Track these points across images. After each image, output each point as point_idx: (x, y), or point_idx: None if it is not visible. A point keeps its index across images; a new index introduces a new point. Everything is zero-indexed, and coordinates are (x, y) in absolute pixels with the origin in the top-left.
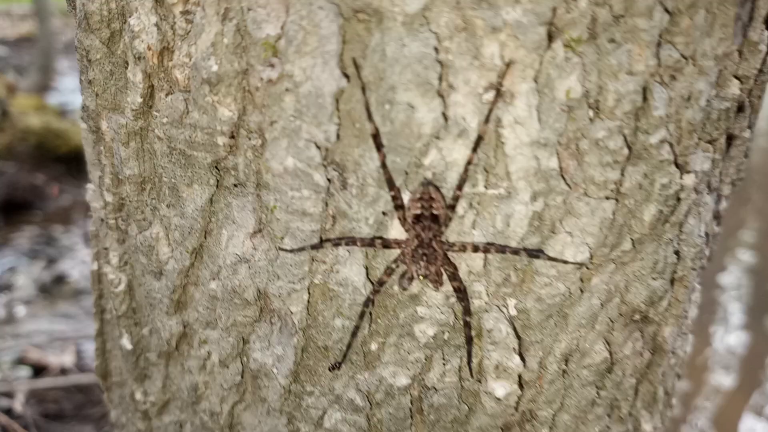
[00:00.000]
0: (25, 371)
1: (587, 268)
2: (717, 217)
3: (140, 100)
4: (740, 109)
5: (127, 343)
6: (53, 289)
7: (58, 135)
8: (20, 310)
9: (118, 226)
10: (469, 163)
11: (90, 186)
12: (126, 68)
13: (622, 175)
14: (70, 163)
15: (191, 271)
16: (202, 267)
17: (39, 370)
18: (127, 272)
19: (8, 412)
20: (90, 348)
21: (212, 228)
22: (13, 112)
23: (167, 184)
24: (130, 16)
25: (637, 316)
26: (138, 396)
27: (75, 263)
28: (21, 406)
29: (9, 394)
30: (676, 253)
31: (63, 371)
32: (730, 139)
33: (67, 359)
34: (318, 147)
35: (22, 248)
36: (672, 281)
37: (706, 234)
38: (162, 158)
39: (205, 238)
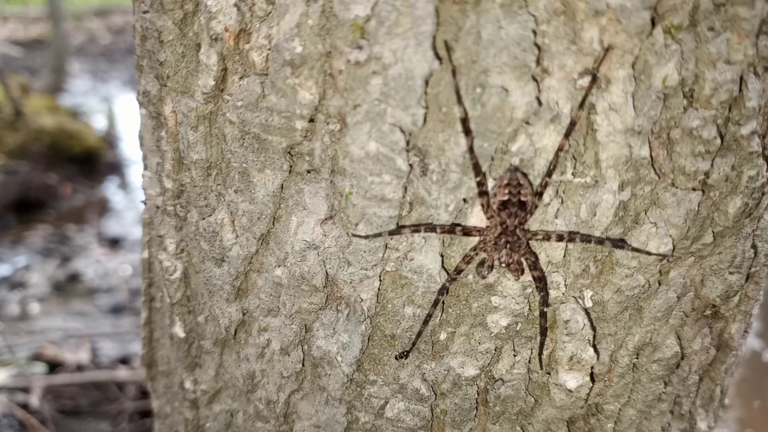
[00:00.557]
0: (40, 367)
1: (668, 260)
2: None
3: (213, 83)
4: None
5: (179, 331)
6: (67, 287)
7: (72, 135)
8: (34, 308)
9: (176, 212)
10: (560, 149)
11: (146, 173)
12: (198, 51)
13: (712, 165)
14: (84, 164)
15: (255, 258)
16: (268, 253)
17: (54, 367)
18: (183, 260)
19: (25, 407)
20: (105, 346)
21: (281, 214)
22: (27, 113)
23: (237, 170)
24: None
25: (708, 311)
26: (188, 385)
27: (89, 262)
28: (38, 402)
29: (26, 390)
30: (753, 247)
31: (79, 368)
32: None
33: (83, 356)
34: (402, 131)
35: (36, 247)
36: (747, 277)
37: None
38: (232, 143)
39: (273, 224)
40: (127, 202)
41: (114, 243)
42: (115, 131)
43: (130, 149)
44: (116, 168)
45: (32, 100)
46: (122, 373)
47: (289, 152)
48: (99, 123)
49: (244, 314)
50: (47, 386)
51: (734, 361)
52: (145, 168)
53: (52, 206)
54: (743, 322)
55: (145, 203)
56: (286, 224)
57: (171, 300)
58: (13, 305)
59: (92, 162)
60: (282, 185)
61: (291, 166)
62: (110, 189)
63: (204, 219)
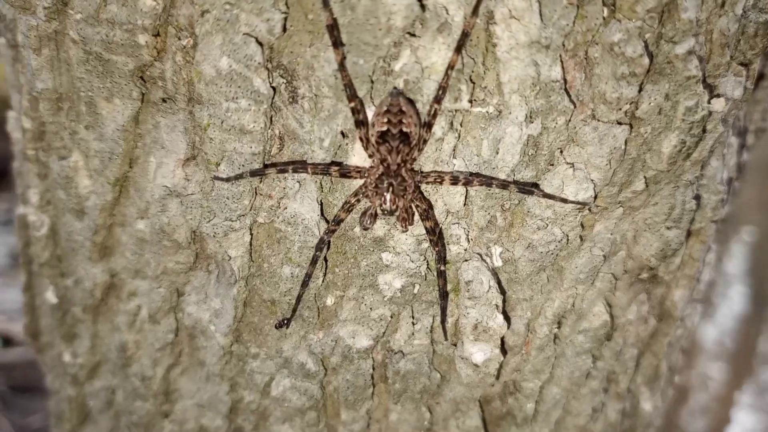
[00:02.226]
0: None
1: (590, 210)
2: (740, 169)
3: None
4: None
5: (51, 296)
6: None
7: None
8: None
9: (38, 158)
10: (450, 67)
11: (11, 113)
12: None
13: (640, 93)
14: None
15: (116, 209)
16: (128, 203)
17: (6, 342)
18: (50, 213)
19: None
20: None
21: (138, 155)
22: None
23: (84, 100)
24: None
25: (644, 275)
26: (66, 358)
27: None
28: None
29: None
30: (696, 198)
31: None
32: (760, 77)
33: None
34: (259, 43)
35: None
36: (688, 233)
37: (728, 184)
38: (78, 67)
39: (130, 166)
40: None
41: None
42: None
43: None
44: None
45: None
46: None
47: (139, 76)
48: None
49: (112, 276)
50: None
51: (681, 333)
52: (11, 109)
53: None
54: (688, 288)
55: (13, 149)
56: (144, 166)
57: (40, 260)
58: None
59: None
60: (135, 118)
61: (143, 94)
62: None
63: (59, 162)
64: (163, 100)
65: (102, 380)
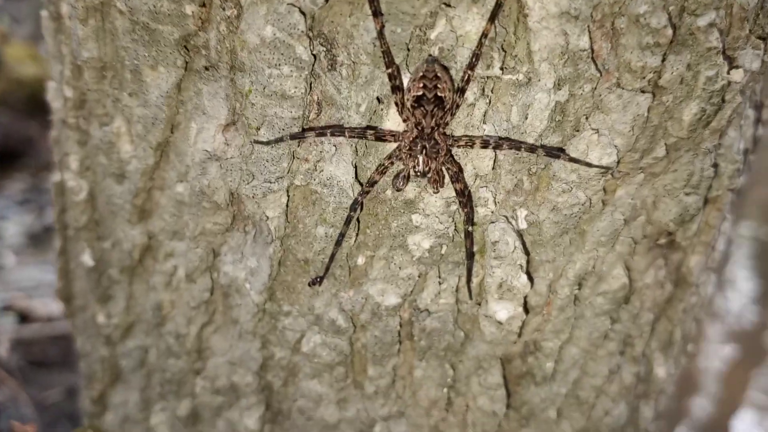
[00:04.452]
0: (10, 318)
1: (612, 175)
2: (755, 141)
3: None
4: None
5: (88, 259)
6: (43, 238)
7: None
8: (10, 259)
9: (78, 125)
10: (484, 35)
11: (51, 84)
12: None
13: (663, 62)
14: None
15: (156, 173)
16: (168, 167)
17: (25, 318)
18: (89, 179)
19: None
20: None
21: (180, 120)
22: (8, 61)
23: (129, 68)
24: None
25: (663, 240)
26: (100, 319)
27: None
28: (6, 353)
29: None
30: (714, 166)
31: (49, 320)
32: None
33: (54, 308)
34: (302, 13)
35: (14, 197)
36: (706, 200)
37: (744, 154)
38: (124, 37)
39: (171, 132)
40: None
41: None
42: None
43: None
44: None
45: (13, 48)
46: None
47: (184, 45)
48: None
49: (149, 237)
50: (17, 338)
51: (696, 301)
52: (51, 78)
53: (31, 156)
54: (704, 255)
55: (53, 118)
56: (185, 132)
57: (77, 224)
58: None
59: None
60: (178, 85)
61: (187, 62)
62: None
63: (101, 129)
64: (206, 68)
65: (135, 340)
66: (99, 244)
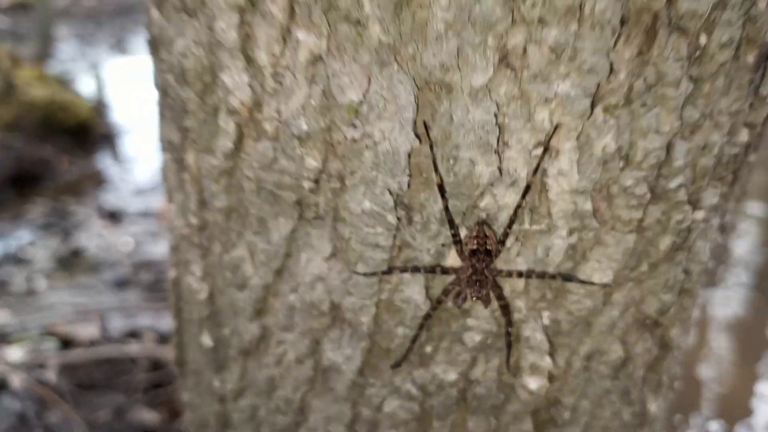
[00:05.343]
0: (53, 343)
1: (610, 287)
2: (722, 229)
3: (231, 145)
4: (747, 149)
5: (207, 341)
6: (71, 262)
7: (63, 107)
8: (41, 283)
9: (201, 243)
10: (518, 207)
11: (172, 206)
12: (217, 116)
13: (644, 213)
14: (77, 136)
15: (272, 286)
16: (282, 283)
17: (67, 342)
18: (209, 282)
19: (42, 383)
20: (113, 319)
21: (293, 251)
22: (18, 84)
23: (255, 216)
24: (221, 72)
25: (648, 321)
26: (216, 384)
27: (90, 236)
28: (55, 377)
29: (42, 366)
30: (685, 271)
31: (91, 343)
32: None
33: (93, 331)
34: (391, 193)
35: (37, 222)
36: (680, 293)
37: (711, 252)
38: (250, 194)
39: (286, 260)
40: (123, 173)
41: (113, 216)
42: (105, 99)
43: (120, 118)
44: (109, 139)
45: (22, 71)
46: (134, 348)
47: (298, 203)
48: (87, 88)
49: (263, 329)
50: (62, 363)
51: (677, 354)
52: (170, 201)
53: (48, 179)
54: (681, 327)
55: (171, 232)
56: (296, 260)
57: (199, 315)
58: (19, 281)
59: (85, 133)
60: (293, 229)
61: (300, 214)
62: (104, 161)
63: (227, 253)
64: (315, 218)
65: (247, 400)
66: (218, 330)
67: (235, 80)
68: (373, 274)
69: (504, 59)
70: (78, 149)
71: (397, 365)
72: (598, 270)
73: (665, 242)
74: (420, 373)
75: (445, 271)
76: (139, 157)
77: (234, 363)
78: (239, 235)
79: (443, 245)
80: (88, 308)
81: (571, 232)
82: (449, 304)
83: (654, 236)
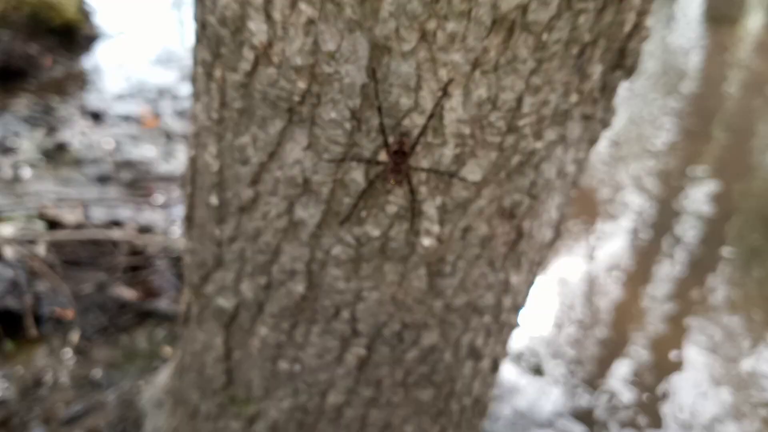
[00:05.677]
0: (41, 225)
1: (479, 184)
2: (577, 163)
3: (249, 68)
4: (577, 106)
5: (214, 200)
6: (55, 155)
7: (51, 7)
8: (26, 172)
9: (217, 132)
10: (425, 127)
11: (198, 104)
12: (242, 49)
13: (502, 139)
14: (63, 36)
15: (265, 165)
16: (273, 162)
17: (53, 225)
18: (220, 159)
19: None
20: (95, 210)
21: (282, 142)
22: None
23: (259, 116)
24: (248, 21)
25: (506, 213)
26: (216, 232)
27: (74, 133)
28: (44, 252)
29: (32, 242)
30: (532, 182)
31: (78, 227)
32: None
33: (78, 217)
34: (349, 110)
35: (22, 115)
36: (529, 196)
37: (558, 169)
38: (258, 102)
39: (278, 145)
40: (107, 76)
41: (95, 116)
42: (90, 2)
43: (106, 22)
44: (94, 41)
45: None
46: (116, 233)
47: (289, 110)
48: None
49: (256, 194)
50: (51, 240)
51: (533, 244)
52: (196, 101)
53: (33, 76)
54: (532, 221)
55: (194, 123)
56: (284, 148)
57: (210, 183)
58: (6, 169)
59: (71, 34)
60: (284, 127)
61: (290, 118)
62: (89, 62)
63: (236, 139)
64: (299, 121)
65: (238, 244)
66: (223, 193)
67: (257, 28)
68: (333, 161)
69: (422, 37)
70: (63, 49)
71: (342, 222)
72: (472, 173)
73: (516, 159)
74: (356, 229)
75: (378, 163)
76: (122, 63)
77: (232, 217)
78: (247, 127)
79: (378, 146)
80: (72, 198)
81: (456, 146)
82: (378, 185)
83: (509, 155)
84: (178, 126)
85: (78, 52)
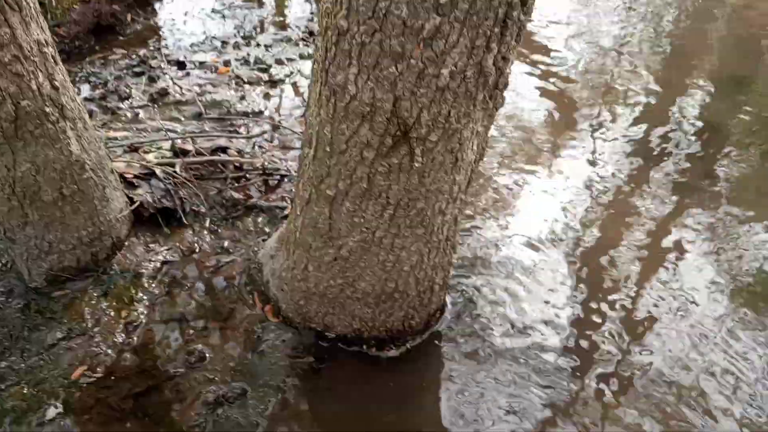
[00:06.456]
0: (170, 153)
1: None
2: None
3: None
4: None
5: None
6: (159, 100)
7: None
8: (141, 114)
9: (340, 25)
10: None
11: (318, 40)
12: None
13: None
14: None
15: (349, 28)
16: (352, 16)
17: (180, 152)
18: (334, 67)
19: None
20: (202, 143)
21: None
22: None
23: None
24: None
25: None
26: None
27: (166, 80)
28: (180, 170)
29: (170, 165)
30: (468, 86)
31: (196, 152)
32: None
33: (192, 147)
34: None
35: (121, 66)
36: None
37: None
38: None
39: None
40: (177, 29)
41: (180, 65)
42: None
43: None
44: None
45: None
46: (224, 157)
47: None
48: None
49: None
50: (184, 162)
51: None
52: (319, 38)
53: (119, 32)
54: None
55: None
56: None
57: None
58: (126, 111)
59: None
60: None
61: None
62: (161, 17)
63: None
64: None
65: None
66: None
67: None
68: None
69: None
70: (138, 8)
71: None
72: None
73: (446, 71)
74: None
75: None
76: (186, 17)
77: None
78: (350, 63)
79: None
80: (179, 132)
81: None
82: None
83: (455, 72)
84: (244, 72)
85: (150, 8)
